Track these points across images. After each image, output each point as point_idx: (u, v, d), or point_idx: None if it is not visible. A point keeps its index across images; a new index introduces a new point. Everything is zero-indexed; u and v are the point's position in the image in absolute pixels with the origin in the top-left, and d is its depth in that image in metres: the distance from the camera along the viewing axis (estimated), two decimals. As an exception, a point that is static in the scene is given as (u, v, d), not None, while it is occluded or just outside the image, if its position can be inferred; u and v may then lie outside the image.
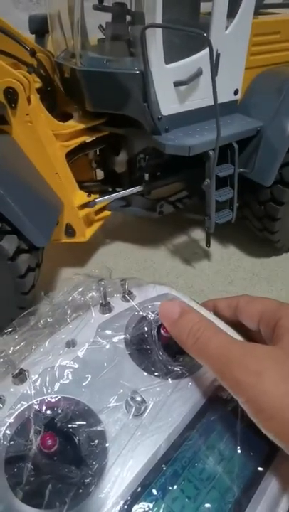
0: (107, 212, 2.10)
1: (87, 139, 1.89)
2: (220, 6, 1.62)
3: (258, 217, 2.12)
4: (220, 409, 0.35)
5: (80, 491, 0.29)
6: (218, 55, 1.68)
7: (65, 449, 0.31)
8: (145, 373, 0.36)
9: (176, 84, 1.65)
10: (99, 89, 1.71)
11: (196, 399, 0.35)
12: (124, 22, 1.76)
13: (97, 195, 1.97)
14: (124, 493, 0.29)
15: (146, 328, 0.39)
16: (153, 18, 1.50)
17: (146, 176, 1.96)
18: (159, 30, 1.52)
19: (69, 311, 0.41)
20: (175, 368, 0.36)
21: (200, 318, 0.36)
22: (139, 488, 0.30)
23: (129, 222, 2.52)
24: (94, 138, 1.94)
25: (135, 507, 0.29)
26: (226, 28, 1.69)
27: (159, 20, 1.51)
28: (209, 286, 2.10)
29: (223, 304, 0.42)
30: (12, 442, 0.31)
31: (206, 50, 1.61)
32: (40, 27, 1.75)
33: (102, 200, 1.99)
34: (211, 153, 1.74)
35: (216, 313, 0.43)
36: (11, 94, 1.47)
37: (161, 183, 2.10)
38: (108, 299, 0.42)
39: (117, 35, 1.77)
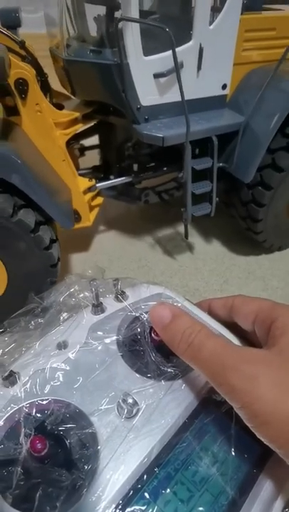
0: (100, 199, 2.14)
1: (82, 127, 1.97)
2: (202, 1, 1.65)
3: (242, 218, 2.14)
4: (214, 411, 0.35)
5: (71, 494, 0.28)
6: (201, 50, 1.73)
7: (56, 452, 0.31)
8: (138, 375, 0.35)
9: (156, 76, 1.70)
10: (82, 78, 1.80)
11: (190, 401, 0.34)
12: (108, 15, 1.80)
13: (95, 180, 2.03)
14: (115, 497, 0.29)
15: (139, 329, 0.39)
16: (127, 12, 1.55)
17: (135, 167, 1.99)
18: (136, 24, 1.57)
19: (60, 312, 0.40)
20: (168, 370, 0.36)
21: (192, 322, 0.35)
22: (131, 492, 0.29)
23: (124, 222, 2.51)
24: (87, 127, 2.04)
25: (127, 510, 0.28)
26: (211, 23, 1.72)
27: (135, 13, 1.55)
28: (204, 285, 2.10)
29: (218, 303, 0.42)
30: (1, 446, 0.30)
31: (188, 44, 1.70)
32: (11, 20, 1.76)
33: (102, 185, 2.05)
34: (188, 145, 1.78)
35: (211, 313, 0.42)
36: (22, 85, 1.52)
37: (150, 174, 2.13)
38: (100, 299, 0.41)
39: (99, 27, 1.83)
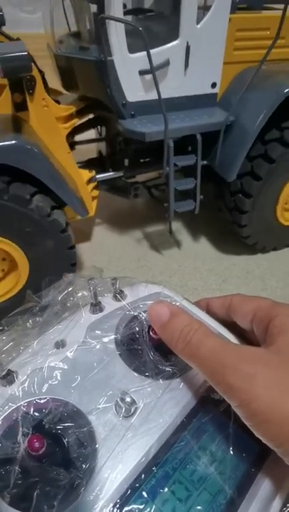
0: (96, 192, 2.19)
1: (78, 121, 2.03)
2: (188, 1, 1.67)
3: (229, 209, 2.15)
4: (212, 410, 0.34)
5: (69, 493, 0.28)
6: (188, 48, 1.75)
7: (54, 451, 0.31)
8: (135, 374, 0.35)
9: (141, 73, 1.73)
10: (72, 74, 1.84)
11: (188, 399, 0.34)
12: (94, 12, 1.84)
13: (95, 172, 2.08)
14: (113, 496, 0.29)
15: (137, 328, 0.39)
16: (109, 10, 1.58)
17: (126, 162, 2.02)
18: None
19: (59, 311, 0.40)
20: (166, 368, 0.36)
21: (190, 320, 0.35)
22: (129, 491, 0.29)
23: (124, 222, 2.51)
24: (82, 121, 2.10)
25: (125, 509, 0.28)
26: (199, 21, 1.74)
27: (118, 11, 1.59)
28: (203, 284, 2.10)
29: (217, 302, 0.42)
30: None
31: (175, 42, 1.73)
32: None
33: (101, 177, 2.09)
34: (169, 142, 1.82)
35: (209, 312, 0.42)
36: (29, 81, 1.56)
37: (141, 170, 2.15)
38: (99, 298, 0.41)
39: (88, 24, 1.87)
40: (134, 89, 1.77)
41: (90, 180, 2.01)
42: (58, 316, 0.40)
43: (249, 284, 2.11)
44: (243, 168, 1.96)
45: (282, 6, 1.98)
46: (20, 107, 1.65)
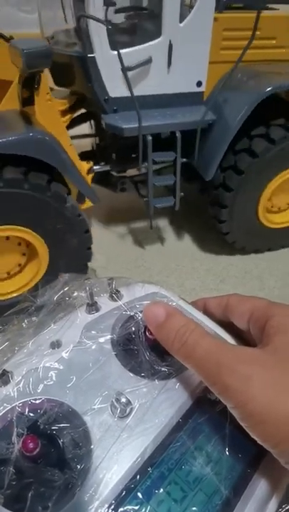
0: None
1: (71, 116, 2.12)
2: (170, 0, 1.71)
3: (212, 203, 2.18)
4: (208, 410, 0.34)
5: (64, 494, 0.28)
6: (170, 46, 1.79)
7: (49, 451, 0.30)
8: (131, 374, 0.35)
9: (123, 69, 1.77)
10: (60, 68, 1.90)
11: (184, 400, 0.34)
12: (78, 10, 1.90)
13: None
14: (108, 497, 0.28)
15: (133, 328, 0.38)
16: (89, 8, 1.64)
17: (114, 156, 2.06)
18: (102, 18, 1.67)
19: (54, 311, 0.40)
20: (162, 369, 0.36)
21: (186, 320, 0.35)
22: (124, 492, 0.29)
23: (121, 222, 2.51)
24: (75, 115, 2.19)
25: (120, 510, 0.28)
26: (182, 20, 1.78)
27: (98, 10, 1.64)
28: (200, 284, 2.10)
29: (213, 302, 0.42)
30: None
31: (157, 40, 1.78)
32: None
33: (98, 168, 2.15)
34: (149, 138, 1.86)
35: (206, 312, 0.42)
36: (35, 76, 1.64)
37: (127, 165, 2.19)
38: (95, 298, 0.41)
39: (76, 22, 1.93)
40: (116, 85, 1.82)
41: (88, 171, 2.07)
42: (54, 316, 0.40)
43: (247, 284, 2.11)
44: (226, 161, 1.99)
45: (282, 6, 2.00)
46: (28, 101, 1.71)
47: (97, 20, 1.64)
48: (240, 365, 0.30)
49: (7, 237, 1.72)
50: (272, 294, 2.04)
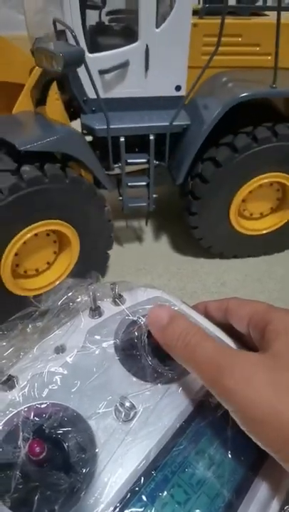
0: None
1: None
2: (145, 5, 1.75)
3: (184, 209, 2.22)
4: (210, 414, 0.35)
5: (69, 498, 0.29)
6: (147, 50, 1.84)
7: (54, 455, 0.31)
8: (135, 378, 0.36)
9: (101, 72, 1.84)
10: None
11: (187, 404, 0.35)
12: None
13: None
14: (113, 500, 0.29)
15: (136, 333, 0.39)
16: (63, 13, 1.71)
17: (98, 154, 2.07)
18: (78, 22, 1.75)
19: (58, 316, 0.41)
20: (165, 373, 0.36)
21: (189, 324, 0.35)
22: (129, 494, 0.29)
23: (123, 226, 2.51)
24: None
25: None
26: (159, 25, 1.82)
27: (74, 10, 1.70)
28: (202, 287, 2.11)
29: (214, 306, 0.42)
30: (0, 449, 0.31)
31: (134, 44, 1.82)
32: None
33: None
34: (121, 139, 1.91)
35: (207, 316, 0.42)
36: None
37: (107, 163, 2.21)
38: (98, 303, 0.42)
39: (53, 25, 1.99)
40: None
41: None
42: (58, 321, 0.40)
43: (247, 287, 2.11)
44: (194, 169, 2.03)
45: (271, 13, 2.00)
46: (41, 102, 1.79)
47: (66, 26, 1.70)
48: (240, 368, 0.30)
49: (47, 234, 1.85)
50: (272, 297, 2.04)
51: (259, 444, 0.29)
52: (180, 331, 0.34)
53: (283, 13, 1.72)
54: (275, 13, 1.72)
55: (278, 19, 1.69)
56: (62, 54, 1.49)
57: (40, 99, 1.78)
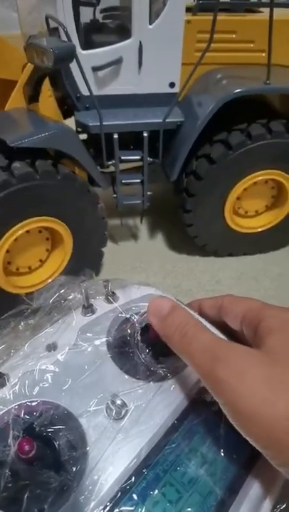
0: None
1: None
2: (138, 2, 1.75)
3: (179, 206, 2.22)
4: (203, 411, 0.35)
5: (59, 496, 0.28)
6: (141, 47, 1.84)
7: (45, 454, 0.31)
8: (127, 376, 0.35)
9: (94, 69, 1.84)
10: None
11: (179, 401, 0.34)
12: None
13: None
14: (104, 498, 0.29)
15: (129, 330, 0.39)
16: (57, 10, 1.71)
17: (92, 151, 2.07)
18: (71, 19, 1.75)
19: (50, 314, 0.40)
20: (158, 371, 0.36)
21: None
22: (120, 493, 0.29)
23: (118, 224, 2.51)
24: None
25: (115, 511, 0.28)
26: (152, 22, 1.82)
27: (67, 6, 1.72)
28: (197, 285, 2.11)
29: (208, 304, 0.42)
30: None
31: (127, 41, 1.82)
32: None
33: None
34: (115, 136, 1.91)
35: (201, 314, 0.42)
36: None
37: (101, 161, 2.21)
38: (91, 300, 0.41)
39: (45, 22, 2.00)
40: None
41: None
42: (50, 318, 0.40)
43: (242, 285, 2.11)
44: (189, 167, 2.02)
45: (265, 9, 2.01)
46: (34, 98, 1.79)
47: (58, 22, 1.70)
48: (235, 359, 0.30)
49: (39, 231, 1.84)
50: (267, 295, 2.04)
51: (248, 439, 0.29)
52: (179, 321, 0.34)
53: (280, 10, 1.72)
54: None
55: (271, 16, 1.68)
56: (52, 49, 1.48)
57: (33, 96, 1.78)
